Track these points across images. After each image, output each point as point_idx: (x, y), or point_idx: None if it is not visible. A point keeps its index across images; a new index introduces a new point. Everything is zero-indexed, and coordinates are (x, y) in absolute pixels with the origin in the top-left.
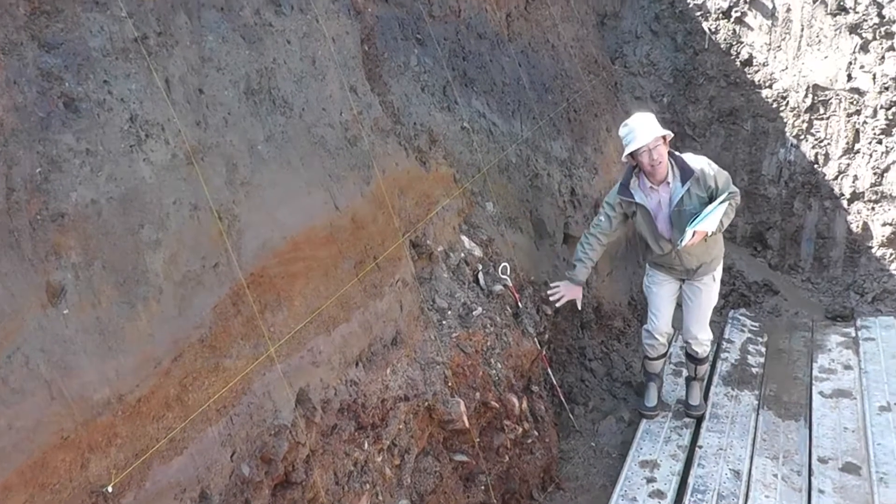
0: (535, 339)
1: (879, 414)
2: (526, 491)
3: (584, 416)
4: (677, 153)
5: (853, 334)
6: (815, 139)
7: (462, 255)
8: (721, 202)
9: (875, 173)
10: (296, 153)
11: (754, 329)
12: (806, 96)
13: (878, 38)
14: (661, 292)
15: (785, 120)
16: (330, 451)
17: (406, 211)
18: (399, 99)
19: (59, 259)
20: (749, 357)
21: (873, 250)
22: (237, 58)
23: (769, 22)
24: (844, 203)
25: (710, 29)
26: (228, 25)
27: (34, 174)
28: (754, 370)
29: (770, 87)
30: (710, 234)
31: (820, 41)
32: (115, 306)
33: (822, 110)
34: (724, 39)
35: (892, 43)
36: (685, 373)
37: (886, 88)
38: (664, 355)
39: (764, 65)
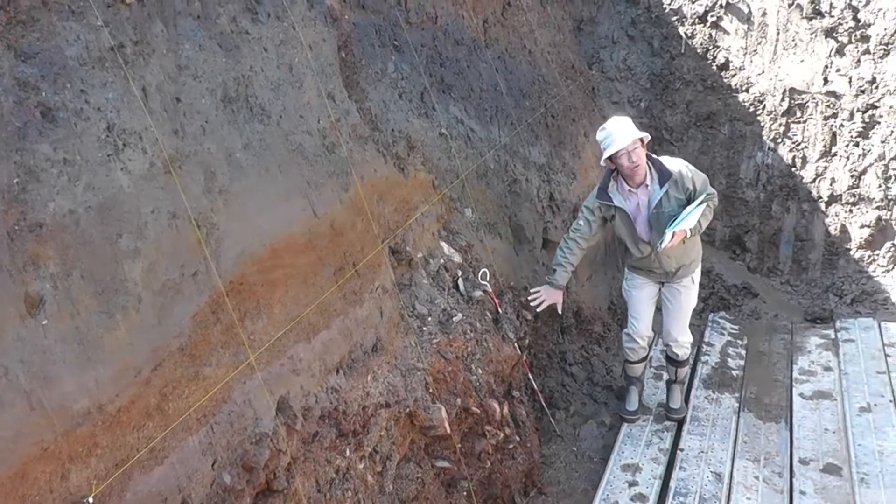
0: (516, 345)
1: (860, 415)
2: (508, 496)
3: (566, 420)
4: (654, 156)
5: (833, 336)
6: (793, 142)
7: (442, 261)
8: (699, 204)
9: (852, 176)
10: (274, 161)
11: (734, 332)
12: (783, 100)
13: (853, 41)
14: (641, 296)
15: (762, 123)
16: (311, 458)
17: (385, 217)
18: (377, 105)
19: (37, 269)
20: (729, 360)
21: (851, 252)
22: (214, 66)
23: (745, 26)
24: (822, 206)
25: (686, 33)
26: (205, 33)
27: (11, 184)
28: (734, 373)
29: (747, 90)
30: (688, 235)
31: (796, 45)
32: (94, 316)
33: (798, 114)
34: (701, 44)
35: (868, 46)
36: (666, 376)
37: (863, 91)
38: (644, 359)
39: (740, 69)
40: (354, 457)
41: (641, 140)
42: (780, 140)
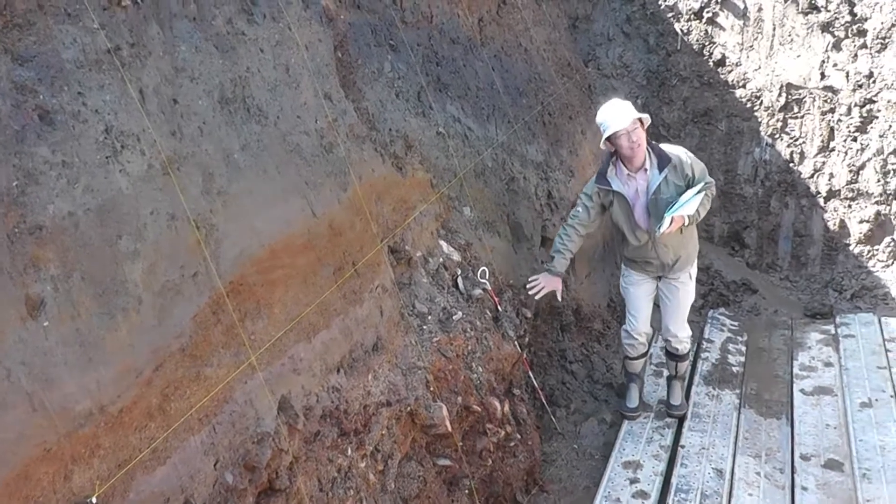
0: (516, 343)
1: (861, 410)
2: (510, 494)
3: (566, 418)
4: (654, 142)
5: (833, 331)
6: (790, 138)
7: (441, 259)
8: (698, 192)
9: (851, 171)
10: (272, 161)
11: (734, 328)
12: (780, 95)
13: (850, 35)
14: (638, 293)
15: (759, 119)
16: (313, 457)
17: (384, 217)
18: (374, 105)
19: (37, 272)
20: (729, 356)
21: (851, 247)
22: (210, 67)
23: (741, 22)
24: (821, 201)
25: (682, 30)
26: (201, 35)
27: (11, 187)
28: (735, 369)
29: (744, 86)
30: (686, 223)
31: (792, 40)
32: (95, 317)
33: (796, 109)
34: (697, 40)
35: (865, 41)
36: (666, 373)
37: (860, 86)
38: (644, 355)
39: (737, 65)
40: (356, 455)
41: (641, 121)
42: (777, 136)
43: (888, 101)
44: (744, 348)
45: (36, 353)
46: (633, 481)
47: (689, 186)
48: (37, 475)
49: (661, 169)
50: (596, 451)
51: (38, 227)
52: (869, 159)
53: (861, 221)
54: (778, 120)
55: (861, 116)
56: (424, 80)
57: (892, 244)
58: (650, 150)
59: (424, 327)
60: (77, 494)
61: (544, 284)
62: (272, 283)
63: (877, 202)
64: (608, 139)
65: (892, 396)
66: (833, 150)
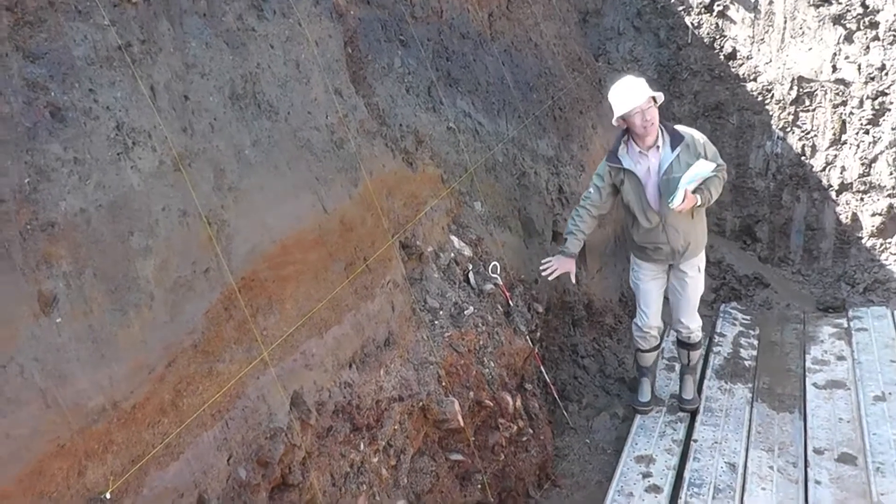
0: (527, 338)
1: (874, 404)
2: (522, 489)
3: (578, 413)
4: (668, 122)
5: (845, 325)
6: (802, 131)
7: (452, 254)
8: (711, 172)
9: (863, 164)
10: (282, 157)
11: (746, 322)
12: (791, 88)
13: (861, 28)
14: (649, 287)
15: (770, 113)
16: (326, 452)
17: (394, 212)
18: (384, 101)
19: (50, 268)
20: (741, 350)
21: (863, 241)
22: (221, 63)
23: (752, 15)
24: (833, 194)
25: (692, 23)
26: (211, 31)
27: (23, 184)
28: (747, 363)
29: (755, 80)
30: (698, 202)
31: (803, 33)
32: (108, 314)
33: (807, 102)
34: (707, 34)
35: (877, 33)
36: (678, 367)
37: (872, 78)
38: (657, 348)
39: (748, 58)
40: (369, 451)
41: (654, 99)
42: (789, 129)
43: None
44: (756, 342)
45: (49, 349)
46: (646, 475)
47: None
48: (50, 471)
49: (673, 147)
50: (608, 445)
51: (51, 224)
52: (881, 152)
53: (873, 214)
54: (789, 113)
55: (873, 109)
56: (435, 75)
57: None
58: (663, 128)
59: (436, 322)
60: (91, 490)
61: (557, 266)
62: (284, 279)
63: (889, 195)
64: (621, 117)
65: None
66: (845, 143)
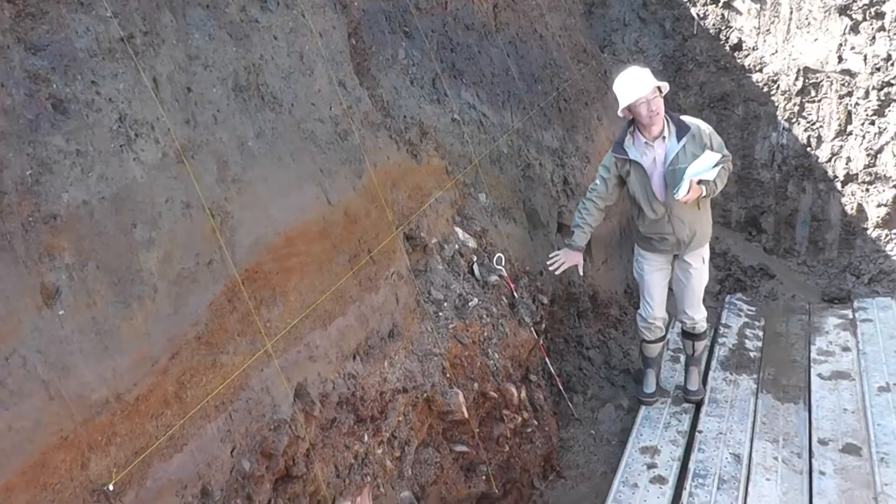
0: (532, 329)
1: (879, 394)
2: (527, 480)
3: (583, 404)
4: (674, 112)
5: (850, 316)
6: (808, 122)
7: (456, 246)
8: (716, 164)
9: (868, 154)
10: (286, 149)
11: (751, 313)
12: (797, 79)
13: (868, 18)
14: (653, 278)
15: (776, 104)
16: (330, 444)
17: (399, 204)
18: (388, 92)
19: (52, 260)
20: (746, 341)
21: (868, 232)
22: (224, 55)
23: (758, 6)
24: (838, 185)
25: (698, 14)
26: (214, 23)
27: (25, 176)
28: (752, 354)
29: (760, 71)
30: (704, 193)
31: (809, 23)
32: (111, 306)
33: (813, 93)
34: (713, 24)
35: (883, 23)
36: (683, 358)
37: (878, 69)
38: (662, 339)
39: (754, 49)
40: (373, 442)
41: (660, 89)
42: (794, 120)
43: None
44: (761, 333)
45: (52, 341)
46: (651, 466)
47: None
48: (54, 463)
49: (679, 138)
50: (613, 436)
51: (53, 216)
52: (887, 143)
53: (879, 205)
54: (795, 104)
55: (879, 100)
56: (439, 66)
57: None
58: (669, 118)
59: (440, 314)
60: (94, 482)
61: (564, 260)
62: (287, 271)
63: (895, 186)
64: (627, 107)
65: None
66: (850, 133)
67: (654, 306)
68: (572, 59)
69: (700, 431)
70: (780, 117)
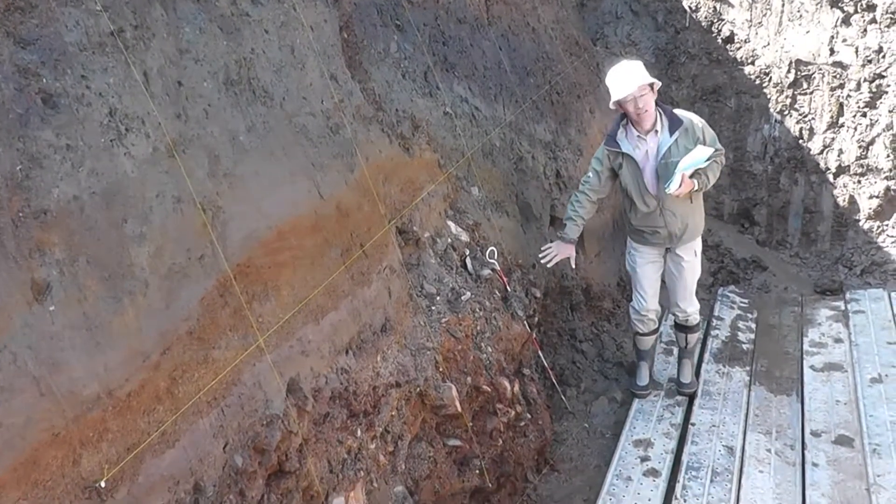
0: (525, 322)
1: (871, 386)
2: (520, 473)
3: (577, 397)
4: (666, 105)
5: (843, 307)
6: (800, 114)
7: (449, 240)
8: (708, 159)
9: (860, 146)
10: (278, 143)
11: (744, 305)
12: (789, 72)
13: (859, 10)
14: (645, 271)
15: (768, 96)
16: (323, 439)
17: (391, 198)
18: (380, 86)
19: (43, 256)
20: (739, 333)
21: (861, 223)
22: (215, 49)
23: None
24: (830, 177)
25: (690, 7)
26: (205, 16)
27: (14, 171)
28: (745, 346)
29: (752, 63)
30: (696, 187)
31: (801, 16)
32: (102, 301)
33: (805, 85)
34: (705, 17)
35: (874, 15)
36: (676, 351)
37: (869, 61)
38: (655, 331)
39: (746, 41)
40: (366, 437)
41: (651, 86)
42: (786, 112)
43: None
44: (754, 325)
45: (42, 337)
46: (644, 459)
47: None
48: (45, 460)
49: (671, 132)
50: (607, 429)
51: (43, 212)
52: (878, 135)
53: (871, 197)
54: (787, 96)
55: (870, 92)
56: (431, 60)
57: None
58: (662, 112)
59: (433, 308)
60: (86, 479)
61: (557, 252)
62: (280, 265)
63: (886, 177)
64: (616, 102)
65: None
66: (842, 125)
67: (647, 299)
68: (565, 52)
69: (693, 424)
70: (772, 109)
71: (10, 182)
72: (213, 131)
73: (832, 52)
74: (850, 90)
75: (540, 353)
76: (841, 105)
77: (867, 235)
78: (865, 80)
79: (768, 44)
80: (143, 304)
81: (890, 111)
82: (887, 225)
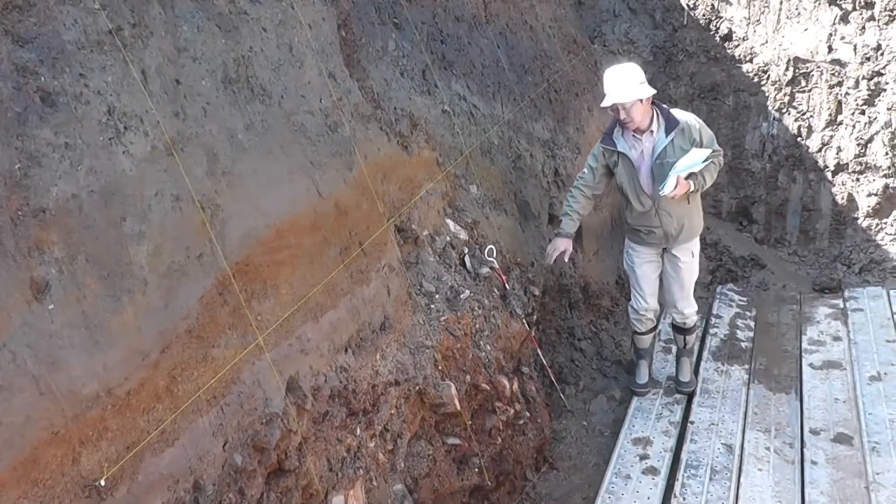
0: (524, 321)
1: (870, 384)
2: (519, 472)
3: (576, 395)
4: (664, 105)
5: (841, 305)
6: (798, 112)
7: (448, 238)
8: (705, 160)
9: (859, 144)
10: (276, 141)
11: (742, 303)
12: (787, 69)
13: (857, 8)
14: (643, 271)
15: (766, 94)
16: (322, 437)
17: (390, 196)
18: (378, 84)
19: (42, 254)
20: (738, 332)
21: (859, 221)
22: (213, 47)
23: None
24: (829, 175)
25: (688, 5)
26: (203, 14)
27: (13, 170)
28: (743, 344)
29: (751, 61)
30: (692, 188)
31: (799, 13)
32: (101, 300)
33: (803, 83)
34: (703, 15)
35: (873, 13)
36: (675, 349)
37: (868, 59)
38: (653, 330)
39: (744, 39)
40: (365, 435)
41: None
42: (785, 110)
43: None
44: (752, 324)
45: (41, 336)
46: (643, 457)
47: None
48: (45, 458)
49: (668, 132)
50: (605, 427)
51: (42, 210)
52: (877, 132)
53: (869, 195)
54: (785, 94)
55: (869, 89)
56: (429, 58)
57: None
58: (659, 112)
59: (432, 306)
60: (85, 477)
61: (555, 247)
62: (278, 264)
63: (885, 175)
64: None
65: None
66: (841, 123)
67: (645, 298)
68: (563, 50)
69: (692, 422)
70: (770, 107)
71: (9, 181)
72: (212, 129)
73: (830, 49)
74: (849, 88)
75: (539, 351)
76: (839, 103)
77: (866, 233)
78: (864, 78)
79: (766, 41)
80: (142, 303)
81: (888, 109)
82: (886, 223)
